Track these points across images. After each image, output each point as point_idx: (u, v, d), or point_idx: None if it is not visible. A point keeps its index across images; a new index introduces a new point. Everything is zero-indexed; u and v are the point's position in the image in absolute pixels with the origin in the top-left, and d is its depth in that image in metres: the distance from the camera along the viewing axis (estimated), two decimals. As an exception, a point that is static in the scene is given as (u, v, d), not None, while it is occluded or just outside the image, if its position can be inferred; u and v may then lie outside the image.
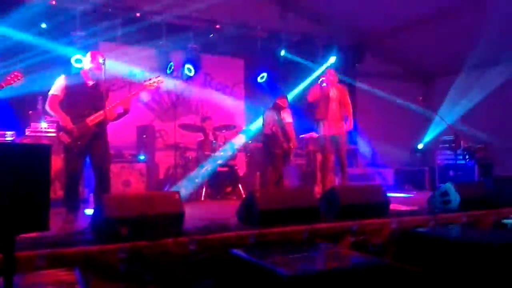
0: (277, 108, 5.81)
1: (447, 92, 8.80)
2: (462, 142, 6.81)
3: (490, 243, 3.20)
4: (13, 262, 1.88)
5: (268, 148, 5.68)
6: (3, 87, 3.82)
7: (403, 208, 4.80)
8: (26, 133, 5.24)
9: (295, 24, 8.92)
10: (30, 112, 5.40)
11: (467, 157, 6.93)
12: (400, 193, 6.99)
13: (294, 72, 8.72)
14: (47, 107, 3.83)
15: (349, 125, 5.52)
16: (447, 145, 7.31)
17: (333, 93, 5.46)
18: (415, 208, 4.79)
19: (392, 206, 4.80)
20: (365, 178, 8.45)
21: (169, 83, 7.79)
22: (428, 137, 9.00)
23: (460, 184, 4.61)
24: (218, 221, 3.67)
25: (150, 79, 4.01)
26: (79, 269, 2.51)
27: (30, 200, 1.84)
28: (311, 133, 7.33)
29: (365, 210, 3.82)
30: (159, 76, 4.07)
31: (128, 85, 7.33)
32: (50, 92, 3.80)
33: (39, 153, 1.91)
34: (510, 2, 6.62)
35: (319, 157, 7.16)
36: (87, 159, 3.89)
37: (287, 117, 5.86)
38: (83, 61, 4.01)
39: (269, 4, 8.73)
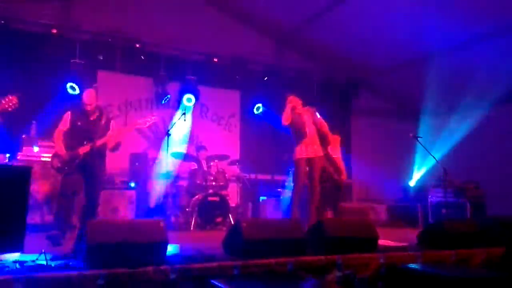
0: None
1: (438, 130, 8.93)
2: (454, 180, 6.82)
3: (480, 278, 3.18)
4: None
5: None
6: None
7: (393, 244, 4.75)
8: (18, 157, 5.25)
9: (290, 60, 9.14)
10: (23, 136, 5.43)
11: (458, 195, 6.93)
12: (392, 229, 6.92)
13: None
14: (53, 139, 4.30)
15: (328, 143, 5.41)
16: (439, 182, 7.32)
17: (305, 116, 5.29)
18: (405, 244, 4.74)
19: (382, 242, 4.76)
20: (358, 213, 8.40)
21: (165, 113, 7.91)
22: (419, 173, 9.03)
23: (450, 221, 4.59)
24: (204, 251, 3.62)
25: (144, 119, 4.48)
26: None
27: (5, 220, 1.82)
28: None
29: (352, 244, 3.77)
30: (153, 116, 4.65)
31: (124, 115, 7.41)
32: (59, 127, 4.25)
33: (18, 174, 1.92)
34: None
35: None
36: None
37: (335, 152, 5.96)
38: (83, 98, 4.35)
39: (265, 39, 8.98)
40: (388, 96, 10.15)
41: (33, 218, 4.99)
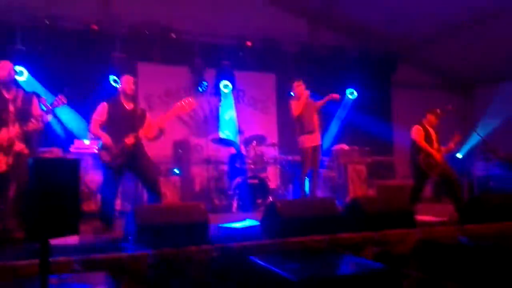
0: None
1: (488, 100, 8.57)
2: (499, 152, 6.57)
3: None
4: (48, 264, 2.10)
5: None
6: (49, 109, 4.19)
7: (433, 219, 4.74)
8: (71, 150, 5.66)
9: (325, 38, 9.04)
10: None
11: (504, 167, 6.69)
12: (437, 204, 6.82)
13: (327, 84, 8.83)
14: (90, 130, 4.22)
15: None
16: (484, 155, 7.09)
17: (310, 104, 5.62)
18: (445, 219, 4.72)
19: (423, 217, 4.77)
20: (402, 190, 8.30)
21: (203, 100, 8.15)
22: (466, 146, 8.74)
23: (492, 194, 4.50)
24: (243, 230, 3.82)
25: (181, 103, 4.23)
26: (111, 273, 2.73)
27: (61, 207, 2.07)
28: (341, 145, 7.38)
29: (388, 220, 3.83)
30: (189, 98, 4.28)
31: (165, 104, 7.70)
32: (93, 117, 4.16)
33: (70, 166, 2.16)
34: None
35: (350, 168, 7.19)
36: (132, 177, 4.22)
37: None
38: (118, 86, 4.39)
39: (298, 19, 8.91)
40: (431, 67, 9.82)
41: (88, 206, 5.40)
